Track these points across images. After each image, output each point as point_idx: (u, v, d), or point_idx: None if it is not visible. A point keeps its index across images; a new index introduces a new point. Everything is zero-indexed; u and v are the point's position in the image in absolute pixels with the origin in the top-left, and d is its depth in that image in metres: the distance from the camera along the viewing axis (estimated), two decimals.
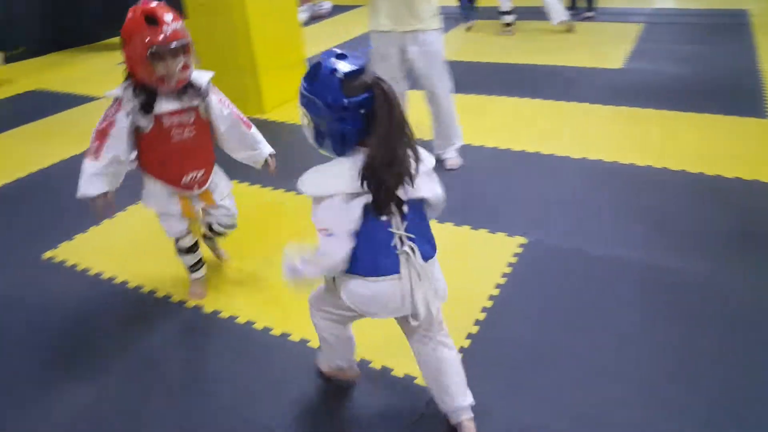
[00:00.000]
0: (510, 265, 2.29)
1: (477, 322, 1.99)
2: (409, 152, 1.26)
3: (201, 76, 1.87)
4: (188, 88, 1.82)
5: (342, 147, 1.26)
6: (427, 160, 1.36)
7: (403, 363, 1.77)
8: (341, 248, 1.28)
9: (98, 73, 5.52)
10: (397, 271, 1.31)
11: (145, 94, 1.76)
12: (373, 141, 1.21)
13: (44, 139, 3.97)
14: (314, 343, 1.90)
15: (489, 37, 6.09)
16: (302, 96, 1.27)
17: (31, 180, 3.24)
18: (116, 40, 1.78)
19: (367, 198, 1.25)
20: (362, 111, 1.21)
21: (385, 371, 1.80)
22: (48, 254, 2.53)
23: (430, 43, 2.85)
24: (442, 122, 3.07)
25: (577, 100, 4.06)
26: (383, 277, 1.31)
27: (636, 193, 2.79)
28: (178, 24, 1.70)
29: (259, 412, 1.69)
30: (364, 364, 1.82)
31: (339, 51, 1.26)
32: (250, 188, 3.06)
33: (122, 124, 1.76)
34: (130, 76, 1.77)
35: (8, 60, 5.88)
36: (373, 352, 1.86)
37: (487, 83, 4.49)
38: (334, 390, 1.75)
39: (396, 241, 1.30)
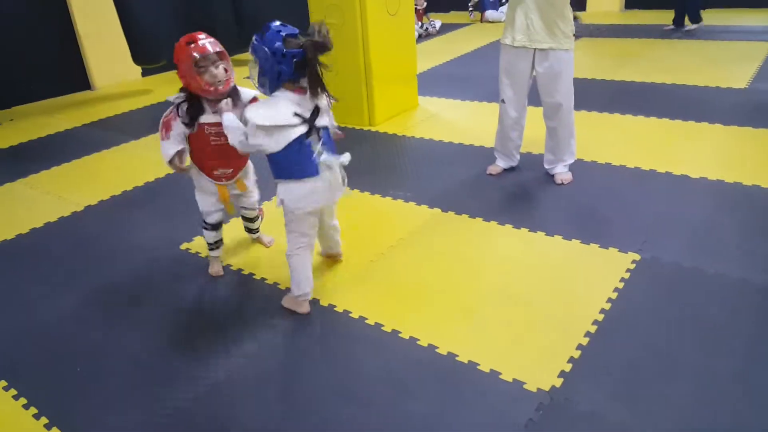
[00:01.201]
0: (622, 280, 2.27)
1: (587, 334, 1.99)
2: (324, 93, 1.98)
3: (246, 93, 2.29)
4: (233, 99, 2.22)
5: (276, 83, 1.94)
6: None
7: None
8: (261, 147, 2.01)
9: None
10: (318, 173, 1.98)
11: (194, 109, 2.22)
12: (306, 81, 1.93)
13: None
14: (423, 341, 2.00)
15: (602, 54, 5.98)
16: (253, 46, 1.92)
17: (170, 179, 3.60)
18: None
19: (298, 129, 1.95)
20: (294, 60, 1.89)
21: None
22: (185, 246, 2.82)
23: (560, 62, 2.87)
24: (561, 138, 3.07)
25: (696, 119, 3.90)
26: (310, 177, 1.98)
27: (759, 214, 2.65)
28: (211, 39, 2.18)
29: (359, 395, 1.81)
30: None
31: (279, 23, 1.94)
32: (359, 195, 3.23)
33: (178, 129, 2.27)
34: (186, 90, 2.22)
35: (144, 73, 6.57)
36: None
37: (602, 100, 4.43)
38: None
39: (316, 154, 1.96)
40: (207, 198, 2.44)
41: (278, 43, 1.87)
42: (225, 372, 1.96)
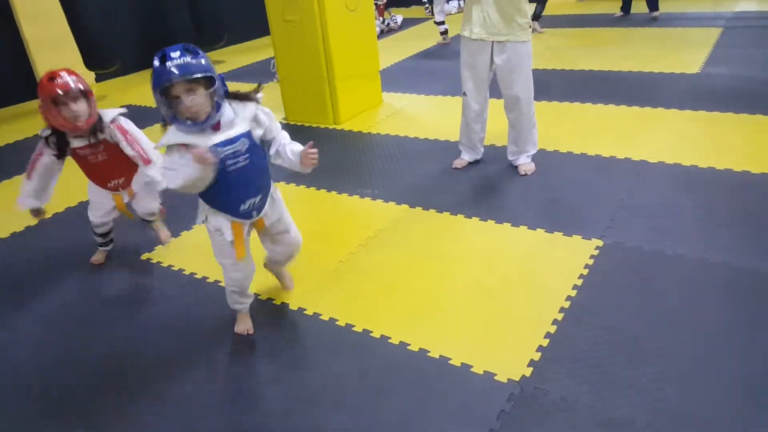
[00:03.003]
0: (587, 266, 2.30)
1: (555, 322, 2.01)
2: None
3: (107, 114, 2.37)
4: (96, 127, 2.33)
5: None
6: None
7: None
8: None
9: None
10: None
11: (60, 141, 2.33)
12: None
13: None
14: (394, 339, 1.99)
15: (562, 45, 6.07)
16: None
17: None
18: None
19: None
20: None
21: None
22: (146, 256, 2.74)
23: (519, 53, 2.89)
24: (522, 130, 3.10)
25: (652, 105, 4.00)
26: None
27: (716, 196, 2.73)
28: (74, 76, 2.23)
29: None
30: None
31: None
32: (327, 194, 3.20)
33: (46, 161, 2.38)
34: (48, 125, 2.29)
35: (99, 79, 6.38)
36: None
37: (562, 90, 4.49)
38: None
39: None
40: (97, 211, 2.59)
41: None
42: (191, 384, 1.91)
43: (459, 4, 8.52)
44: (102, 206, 2.58)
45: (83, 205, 3.34)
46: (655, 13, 6.78)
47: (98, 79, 6.34)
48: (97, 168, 2.46)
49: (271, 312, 2.23)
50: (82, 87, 2.23)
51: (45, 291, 2.54)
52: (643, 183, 2.94)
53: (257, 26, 7.69)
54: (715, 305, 2.02)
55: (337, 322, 2.12)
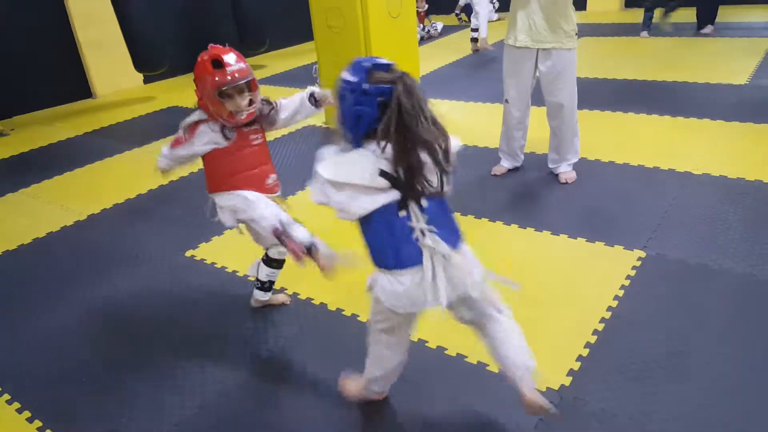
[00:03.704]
0: (629, 278, 2.26)
1: (595, 332, 1.99)
2: (435, 145, 1.31)
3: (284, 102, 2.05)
4: (262, 122, 2.01)
5: (357, 128, 1.32)
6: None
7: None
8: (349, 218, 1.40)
9: None
10: (420, 262, 1.35)
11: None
12: (382, 129, 1.28)
13: None
14: (431, 344, 2.00)
15: (605, 53, 5.98)
16: (336, 83, 1.38)
17: (173, 187, 3.62)
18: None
19: (386, 195, 1.33)
20: (380, 98, 1.29)
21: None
22: (189, 253, 2.82)
23: (564, 61, 2.88)
24: (564, 137, 3.08)
25: (698, 116, 3.90)
26: (407, 269, 1.36)
27: (763, 209, 2.66)
28: (242, 64, 1.86)
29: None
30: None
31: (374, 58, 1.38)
32: None
33: (205, 138, 1.95)
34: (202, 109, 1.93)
35: (147, 80, 6.60)
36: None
37: (605, 99, 4.43)
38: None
39: (417, 233, 1.34)
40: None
41: (360, 76, 1.33)
42: (233, 378, 1.96)
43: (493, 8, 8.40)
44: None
45: (129, 203, 3.46)
46: (707, 29, 6.36)
47: (146, 81, 6.57)
48: (255, 153, 2.02)
49: (314, 313, 2.27)
50: (249, 77, 1.89)
51: (92, 283, 2.63)
52: (687, 194, 2.87)
53: (299, 32, 7.82)
54: (760, 322, 1.96)
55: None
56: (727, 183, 2.94)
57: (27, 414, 1.91)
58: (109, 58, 6.12)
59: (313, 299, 2.33)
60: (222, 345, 2.13)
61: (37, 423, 1.86)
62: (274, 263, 2.17)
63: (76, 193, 3.74)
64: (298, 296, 2.36)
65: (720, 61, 5.18)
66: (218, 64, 1.83)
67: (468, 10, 8.51)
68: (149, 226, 3.16)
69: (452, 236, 1.41)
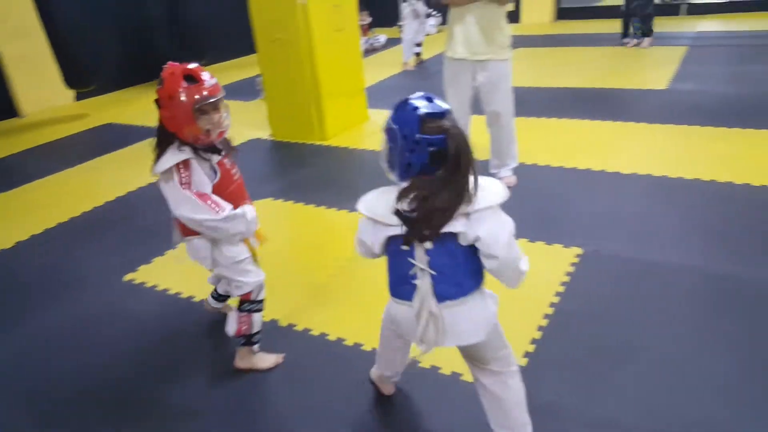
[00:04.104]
0: (568, 274, 2.39)
1: (540, 328, 2.08)
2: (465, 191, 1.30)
3: None
4: (226, 149, 1.88)
5: (406, 174, 1.33)
6: (491, 196, 1.34)
7: None
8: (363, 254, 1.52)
9: None
10: (410, 299, 1.39)
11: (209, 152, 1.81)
12: (438, 178, 1.29)
13: (121, 168, 4.20)
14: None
15: (539, 63, 6.27)
16: (386, 123, 1.38)
17: (109, 208, 3.48)
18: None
19: (393, 228, 1.36)
20: (431, 149, 1.29)
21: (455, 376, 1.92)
22: (128, 276, 2.70)
23: (499, 71, 3.02)
24: (502, 143, 3.22)
25: (624, 119, 4.17)
26: (402, 301, 1.42)
27: (686, 203, 2.87)
28: (215, 79, 1.78)
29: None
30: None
31: (428, 95, 1.35)
32: (315, 209, 3.24)
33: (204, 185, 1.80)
34: (168, 137, 1.77)
35: (79, 97, 6.35)
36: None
37: (539, 106, 4.65)
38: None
39: (416, 270, 1.37)
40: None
41: (412, 127, 1.31)
42: (203, 403, 1.93)
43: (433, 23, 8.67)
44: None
45: (62, 225, 3.32)
46: (644, 43, 6.55)
47: (78, 98, 6.32)
48: (238, 188, 1.92)
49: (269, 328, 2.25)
50: (222, 93, 1.79)
51: (29, 311, 2.51)
52: (617, 193, 3.06)
53: (240, 45, 7.74)
54: (690, 308, 2.12)
55: (327, 337, 2.15)
56: (652, 181, 3.16)
57: None
58: (36, 73, 5.85)
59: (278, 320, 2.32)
60: (171, 365, 2.08)
61: None
62: (222, 298, 2.29)
63: (4, 217, 3.53)
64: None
65: (643, 68, 5.57)
66: (192, 79, 1.73)
67: None
68: (86, 249, 3.02)
69: (453, 288, 1.39)
